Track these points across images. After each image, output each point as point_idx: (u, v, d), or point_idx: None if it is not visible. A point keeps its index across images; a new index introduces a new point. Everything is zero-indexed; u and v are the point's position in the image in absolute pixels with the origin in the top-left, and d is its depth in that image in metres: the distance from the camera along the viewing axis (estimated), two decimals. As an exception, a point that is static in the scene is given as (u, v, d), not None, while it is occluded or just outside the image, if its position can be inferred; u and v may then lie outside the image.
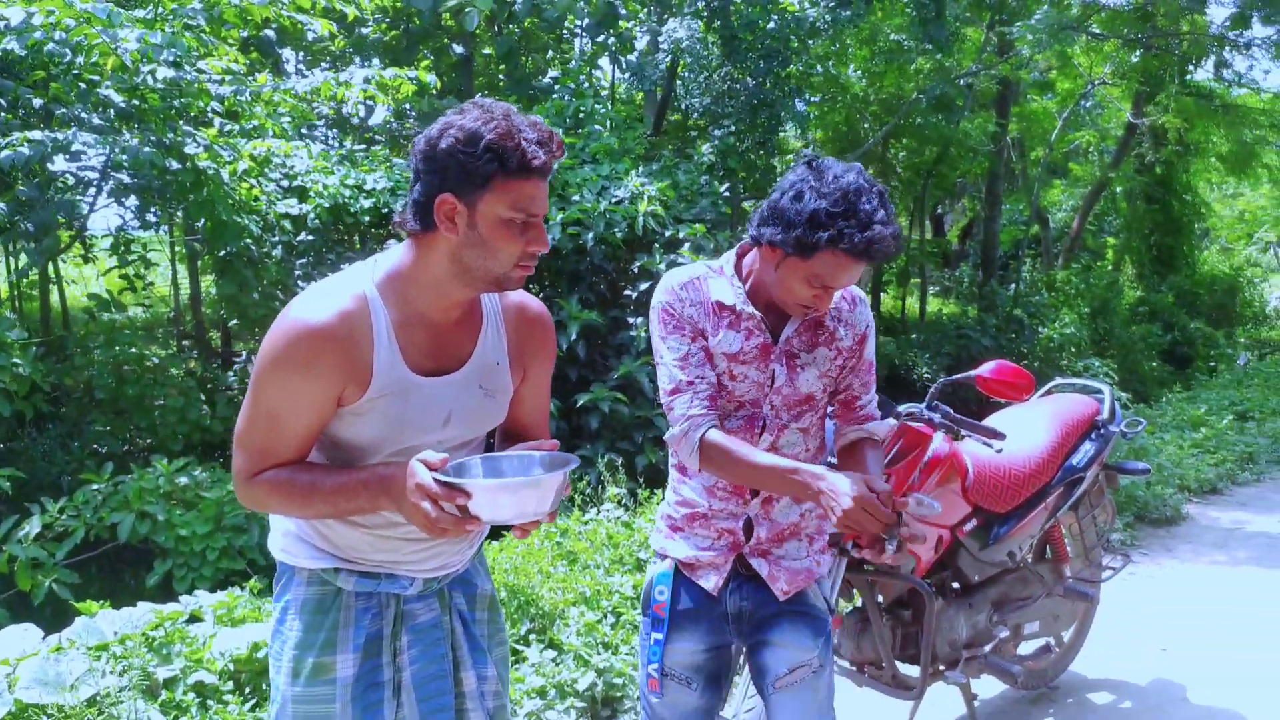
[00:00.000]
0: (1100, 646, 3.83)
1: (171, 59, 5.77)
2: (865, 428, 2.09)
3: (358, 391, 1.59)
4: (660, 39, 9.90)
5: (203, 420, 7.28)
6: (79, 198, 6.70)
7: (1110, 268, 18.26)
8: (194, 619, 3.42)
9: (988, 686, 3.50)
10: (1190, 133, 15.03)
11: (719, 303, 1.99)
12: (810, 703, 2.05)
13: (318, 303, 1.58)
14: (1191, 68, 14.63)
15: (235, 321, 8.55)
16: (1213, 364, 14.64)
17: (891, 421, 2.18)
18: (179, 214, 7.80)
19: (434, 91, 8.66)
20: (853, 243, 1.82)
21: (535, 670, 3.34)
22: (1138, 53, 13.62)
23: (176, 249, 9.89)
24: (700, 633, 2.07)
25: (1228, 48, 13.44)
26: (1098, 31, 12.39)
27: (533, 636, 3.59)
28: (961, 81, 11.21)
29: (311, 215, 7.23)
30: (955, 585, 3.09)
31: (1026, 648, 3.48)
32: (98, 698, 2.90)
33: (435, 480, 1.48)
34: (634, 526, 4.53)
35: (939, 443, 2.85)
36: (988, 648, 3.07)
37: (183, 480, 5.72)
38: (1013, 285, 14.18)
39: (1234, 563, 5.22)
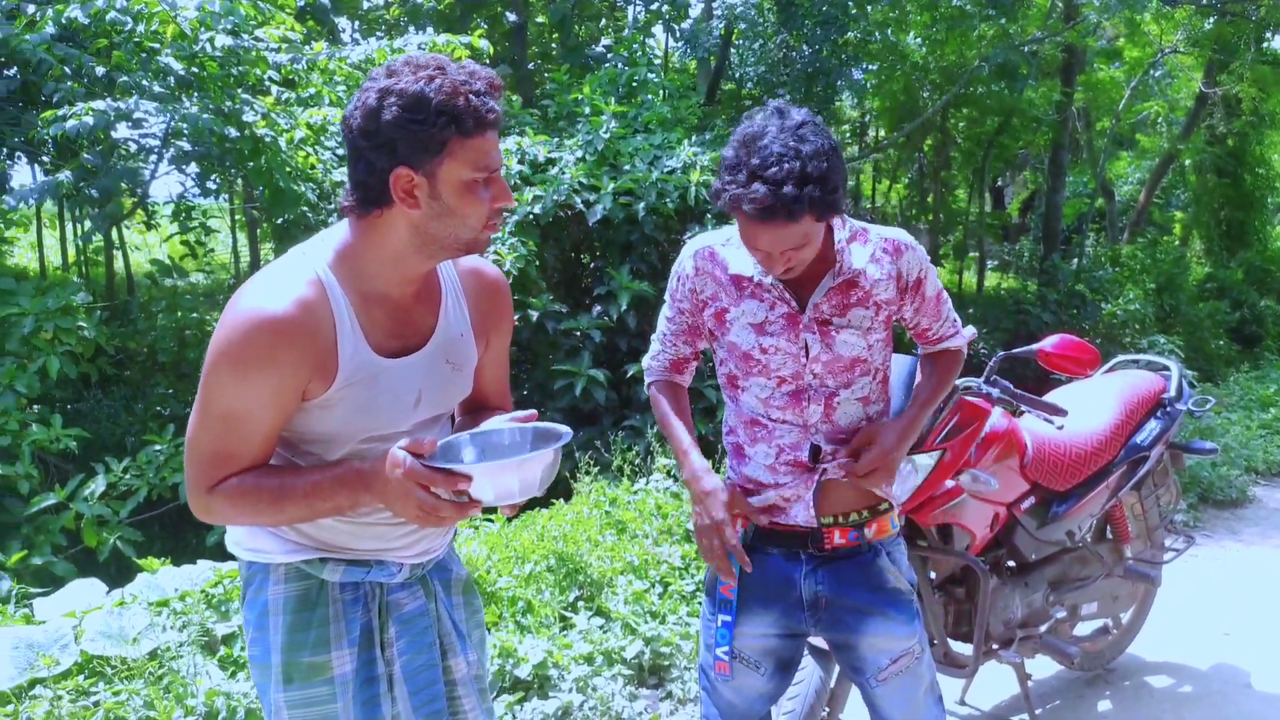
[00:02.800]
0: (1160, 629, 3.74)
1: (230, 27, 5.83)
2: (940, 345, 2.10)
3: (324, 384, 1.48)
4: (715, 6, 9.76)
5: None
6: (141, 165, 6.82)
7: (1177, 243, 17.70)
8: (251, 578, 3.50)
9: (1043, 667, 3.44)
10: (1265, 103, 14.43)
11: (737, 275, 1.93)
12: (917, 689, 2.02)
13: (272, 291, 1.44)
14: (1268, 35, 14.01)
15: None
16: (1283, 343, 14.16)
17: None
18: (239, 182, 7.92)
19: (488, 60, 8.65)
20: (735, 201, 1.70)
21: (583, 637, 3.36)
22: (1211, 19, 13.09)
23: (236, 216, 10.05)
24: (773, 617, 2.02)
25: (1309, 13, 12.85)
26: (1170, -4, 11.94)
27: (581, 604, 3.61)
28: (1026, 49, 10.87)
29: (366, 184, 7.27)
30: (1011, 564, 3.03)
31: (1084, 628, 3.42)
32: (159, 651, 2.99)
33: (428, 466, 1.39)
34: (682, 497, 4.52)
35: (997, 418, 2.78)
36: (1043, 627, 3.01)
37: (241, 443, 5.82)
38: (1075, 260, 13.83)
39: (1302, 547, 5.06)
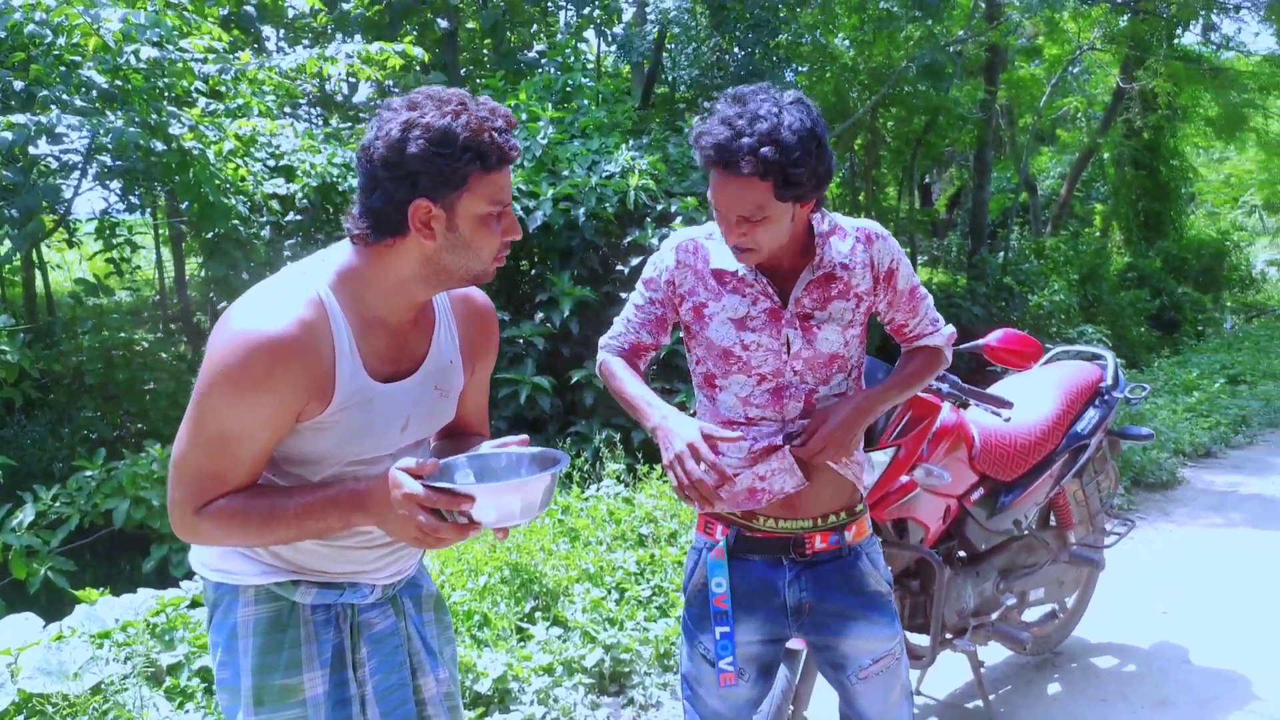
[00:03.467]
0: (1102, 611, 3.85)
1: (154, 38, 5.66)
2: (919, 342, 2.07)
3: (320, 406, 1.47)
4: (647, 10, 9.80)
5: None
6: (62, 181, 6.59)
7: (1098, 234, 18.27)
8: (195, 604, 3.39)
9: (993, 653, 3.51)
10: (1179, 97, 14.99)
11: (718, 270, 1.93)
12: (893, 688, 2.04)
13: (272, 311, 1.43)
14: (1180, 31, 14.56)
15: (225, 304, 8.45)
16: (1201, 328, 14.71)
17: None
18: (162, 196, 7.71)
19: (419, 67, 8.55)
20: (697, 137, 1.73)
21: (542, 648, 3.33)
22: (1126, 17, 13.54)
23: (161, 232, 9.77)
24: (756, 624, 2.00)
25: (1216, 10, 13.38)
26: (1086, -4, 12.31)
27: (538, 614, 3.58)
28: (951, 49, 11.12)
29: (300, 195, 7.14)
30: (962, 554, 3.09)
31: (1032, 614, 3.50)
32: (102, 685, 2.88)
33: (429, 487, 1.40)
34: (634, 502, 4.52)
35: (946, 413, 2.83)
36: (995, 615, 3.07)
37: (177, 465, 5.66)
38: (1002, 253, 14.18)
39: (1230, 525, 5.25)
